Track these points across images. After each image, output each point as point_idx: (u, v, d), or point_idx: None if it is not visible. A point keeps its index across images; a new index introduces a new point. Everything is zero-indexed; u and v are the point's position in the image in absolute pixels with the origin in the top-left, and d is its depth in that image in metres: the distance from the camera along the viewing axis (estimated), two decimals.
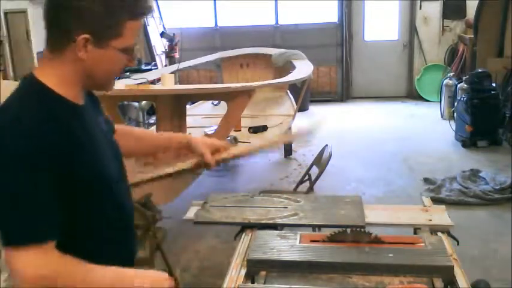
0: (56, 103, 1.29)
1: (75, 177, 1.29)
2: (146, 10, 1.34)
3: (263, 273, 1.80)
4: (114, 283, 1.32)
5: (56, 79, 1.30)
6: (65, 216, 1.30)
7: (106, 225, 1.42)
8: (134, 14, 1.31)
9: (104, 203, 1.40)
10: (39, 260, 1.22)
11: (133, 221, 1.57)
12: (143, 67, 7.01)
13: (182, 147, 1.82)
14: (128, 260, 1.50)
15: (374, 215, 2.09)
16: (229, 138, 4.07)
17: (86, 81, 1.34)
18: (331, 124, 7.44)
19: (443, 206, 2.21)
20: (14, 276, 1.23)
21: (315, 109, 8.33)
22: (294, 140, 1.92)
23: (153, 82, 5.34)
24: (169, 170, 1.95)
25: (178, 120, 3.82)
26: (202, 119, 5.20)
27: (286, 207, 2.11)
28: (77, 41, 1.26)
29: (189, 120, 4.36)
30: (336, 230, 1.82)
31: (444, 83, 7.40)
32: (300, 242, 1.82)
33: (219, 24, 8.93)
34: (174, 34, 7.79)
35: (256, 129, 4.61)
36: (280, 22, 8.87)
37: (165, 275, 1.42)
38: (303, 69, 5.29)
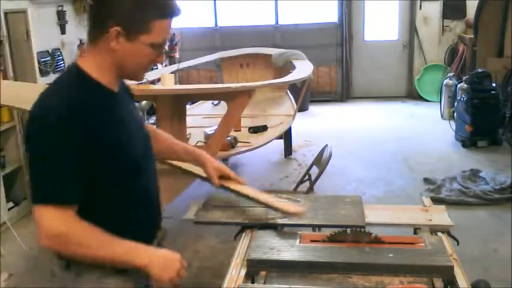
0: (93, 88, 1.46)
1: (104, 156, 1.44)
2: (174, 11, 1.47)
3: (263, 273, 1.80)
4: (128, 254, 1.44)
5: (94, 67, 1.47)
6: (93, 195, 1.45)
7: (132, 206, 1.54)
8: (162, 13, 1.44)
9: (131, 184, 1.53)
10: (60, 219, 1.38)
11: (159, 205, 1.70)
12: None
13: (194, 163, 1.97)
14: (143, 241, 1.55)
15: (374, 215, 2.09)
16: (229, 138, 4.06)
17: (118, 70, 1.49)
18: (331, 124, 7.45)
19: (443, 206, 2.21)
20: (38, 231, 1.39)
21: (315, 109, 8.33)
22: (293, 215, 1.96)
23: (153, 82, 5.34)
24: (181, 165, 2.00)
25: (178, 120, 3.82)
26: (202, 119, 5.20)
27: None
28: (109, 32, 1.42)
29: (189, 120, 4.36)
30: (336, 230, 1.82)
31: (444, 83, 7.39)
32: (300, 242, 1.82)
33: (219, 24, 8.92)
34: (174, 34, 7.78)
35: (256, 129, 4.61)
36: (280, 22, 8.86)
37: (178, 255, 1.51)
38: (303, 69, 5.29)
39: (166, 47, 7.93)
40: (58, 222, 1.38)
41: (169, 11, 1.46)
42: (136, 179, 1.55)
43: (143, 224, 1.61)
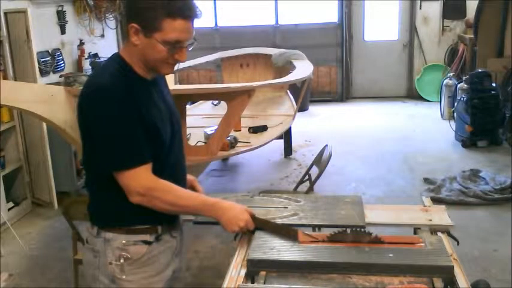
0: (131, 74, 1.67)
1: (144, 130, 1.63)
2: (183, 12, 1.60)
3: (263, 273, 1.80)
4: (203, 210, 1.76)
5: (128, 56, 1.67)
6: None
7: (163, 177, 1.69)
8: (170, 13, 1.56)
9: (158, 156, 1.69)
10: (146, 177, 1.63)
11: (185, 182, 1.90)
12: None
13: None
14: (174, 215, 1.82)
15: (374, 215, 2.09)
16: (229, 138, 4.06)
17: (143, 63, 1.66)
18: (331, 124, 7.45)
19: (443, 206, 2.20)
20: (129, 191, 1.63)
21: (315, 109, 8.33)
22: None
23: None
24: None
25: None
26: (202, 119, 5.20)
27: (286, 207, 2.11)
28: (129, 28, 1.60)
29: (189, 120, 4.35)
30: (336, 230, 1.82)
31: (444, 83, 7.39)
32: (300, 242, 1.82)
33: (219, 24, 8.93)
34: None
35: (256, 129, 4.61)
36: (280, 22, 8.86)
37: (246, 211, 1.79)
38: (303, 69, 5.28)
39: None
40: (145, 180, 1.63)
41: (177, 12, 1.56)
42: (167, 154, 1.73)
43: None
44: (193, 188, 2.03)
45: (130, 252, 1.71)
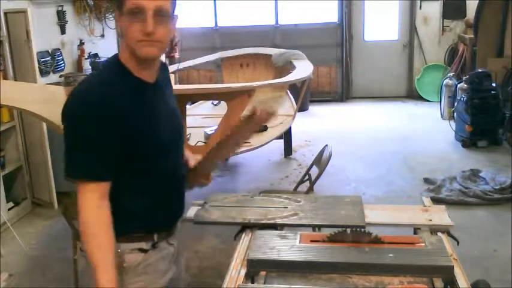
0: (126, 77, 1.64)
1: (133, 139, 1.61)
2: None
3: (263, 273, 1.80)
4: (98, 269, 1.52)
5: (123, 55, 1.65)
6: (127, 173, 1.64)
7: (155, 185, 1.70)
8: None
9: (159, 163, 1.69)
10: (80, 194, 1.55)
11: (183, 188, 1.85)
12: None
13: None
14: (169, 220, 1.79)
15: (374, 215, 2.09)
16: None
17: (130, 53, 1.62)
18: (331, 124, 7.45)
19: (443, 206, 2.21)
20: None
21: (315, 109, 8.33)
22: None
23: None
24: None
25: None
26: (202, 119, 5.20)
27: (286, 207, 2.11)
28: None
29: (189, 120, 4.36)
30: (336, 230, 1.82)
31: (444, 83, 7.39)
32: (300, 242, 1.82)
33: (219, 24, 8.92)
34: (173, 34, 7.74)
35: None
36: (280, 22, 8.85)
37: None
38: (303, 69, 5.28)
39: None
40: (83, 199, 1.55)
41: None
42: (163, 159, 1.71)
43: (171, 196, 1.78)
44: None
45: (126, 261, 1.67)
